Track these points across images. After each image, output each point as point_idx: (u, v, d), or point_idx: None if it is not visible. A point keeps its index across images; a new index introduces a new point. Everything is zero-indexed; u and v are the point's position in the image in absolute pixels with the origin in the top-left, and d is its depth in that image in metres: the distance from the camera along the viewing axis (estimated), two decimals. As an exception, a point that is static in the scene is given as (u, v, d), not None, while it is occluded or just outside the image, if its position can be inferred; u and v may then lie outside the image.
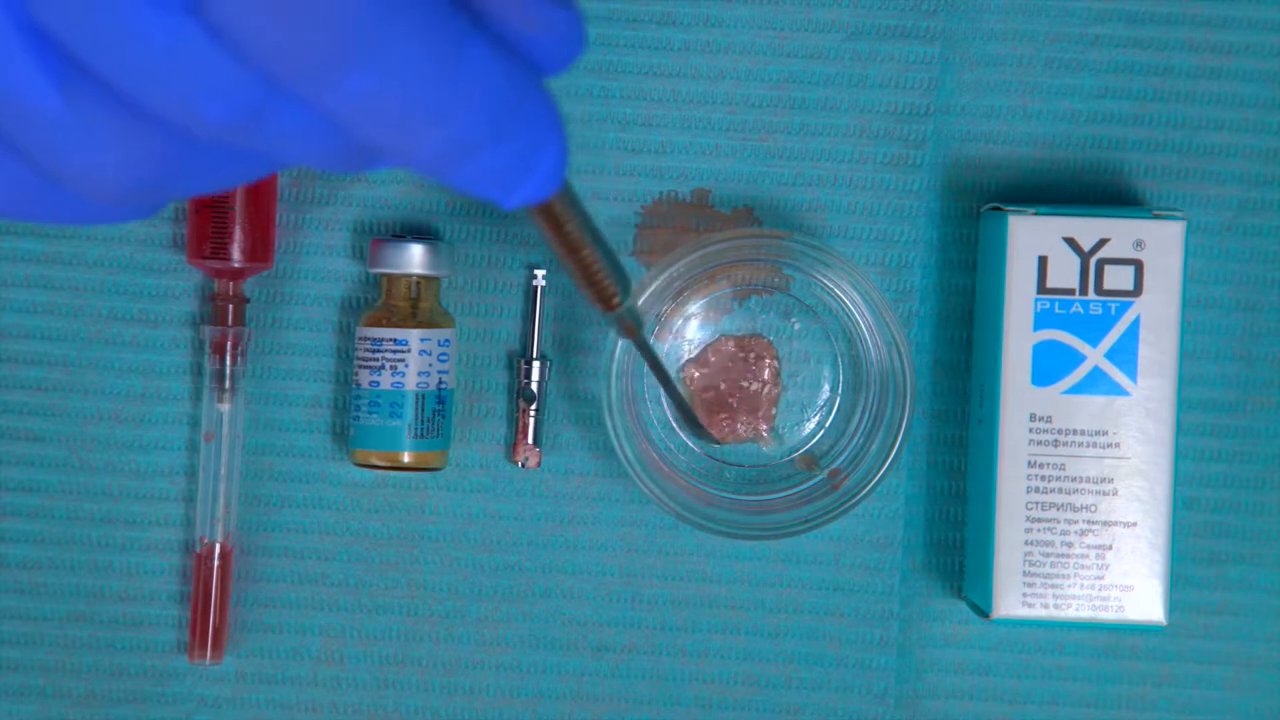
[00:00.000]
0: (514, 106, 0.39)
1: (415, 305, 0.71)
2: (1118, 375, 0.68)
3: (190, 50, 0.37)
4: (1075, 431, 0.67)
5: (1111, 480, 0.68)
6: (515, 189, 0.40)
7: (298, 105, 0.38)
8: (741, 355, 0.72)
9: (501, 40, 0.39)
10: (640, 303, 0.69)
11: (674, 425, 0.72)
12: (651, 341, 0.69)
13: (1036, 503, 0.68)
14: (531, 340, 0.72)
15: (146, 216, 0.43)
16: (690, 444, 0.72)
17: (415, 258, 0.70)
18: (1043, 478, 0.68)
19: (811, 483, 0.71)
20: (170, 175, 0.40)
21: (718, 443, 0.72)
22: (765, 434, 0.72)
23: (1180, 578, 0.71)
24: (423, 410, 0.70)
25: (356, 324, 0.71)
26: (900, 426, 0.69)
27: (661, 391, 0.69)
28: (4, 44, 0.38)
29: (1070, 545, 0.68)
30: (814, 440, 0.72)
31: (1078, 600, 0.68)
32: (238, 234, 0.70)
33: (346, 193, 0.72)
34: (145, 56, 0.37)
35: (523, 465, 0.72)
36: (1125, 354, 0.68)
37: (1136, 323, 0.68)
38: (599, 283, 0.51)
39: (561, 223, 0.46)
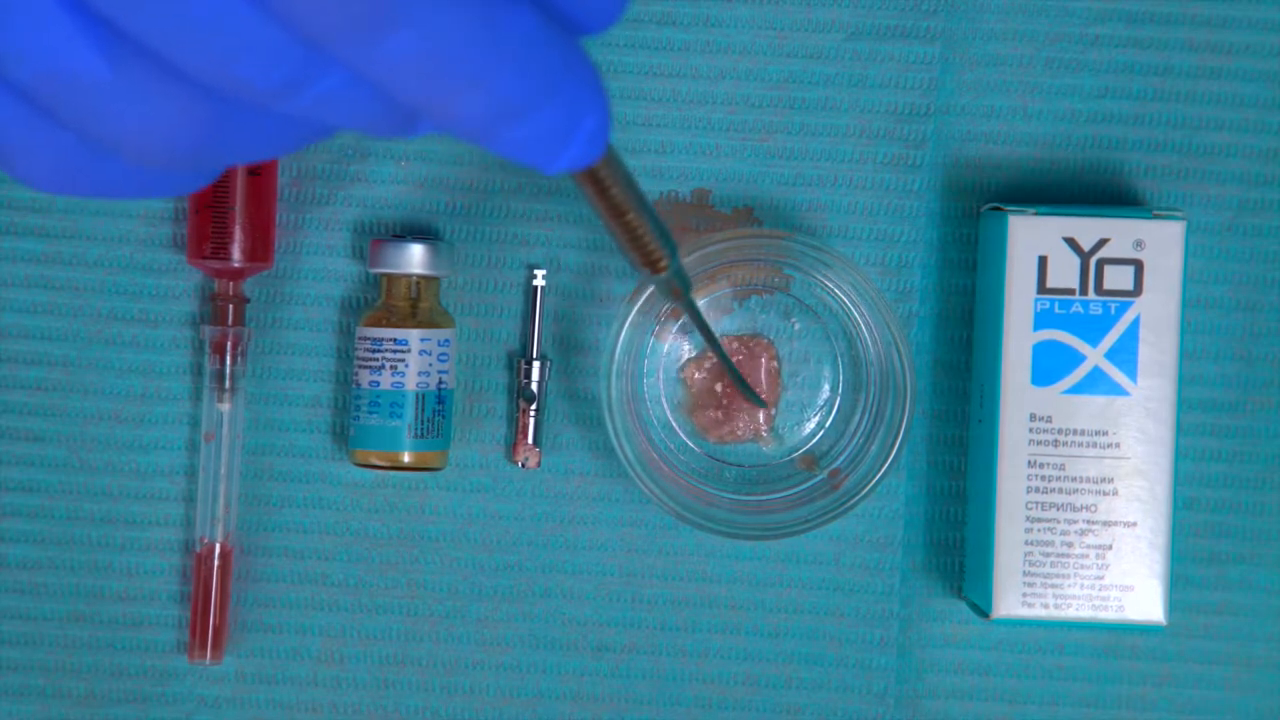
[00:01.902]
0: (556, 70, 0.39)
1: (415, 305, 0.71)
2: (1118, 375, 0.68)
3: (233, 16, 0.37)
4: (1075, 431, 0.67)
5: (1111, 480, 0.68)
6: (557, 155, 0.40)
7: (340, 68, 0.38)
8: (741, 355, 0.72)
9: (541, 1, 0.39)
10: (644, 298, 0.69)
11: (673, 377, 0.72)
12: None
13: (1036, 503, 0.68)
14: (531, 340, 0.72)
15: (194, 188, 0.43)
16: (747, 402, 0.71)
17: (415, 258, 0.70)
18: (1043, 478, 0.68)
19: (811, 483, 0.71)
20: (218, 140, 0.41)
21: (766, 406, 0.72)
22: (765, 434, 0.72)
23: (1180, 578, 0.71)
24: (423, 410, 0.70)
25: (356, 324, 0.71)
26: (900, 426, 0.69)
27: (715, 356, 0.69)
28: (50, 18, 0.38)
29: (1070, 545, 0.68)
30: (814, 440, 0.72)
31: (1078, 600, 0.68)
32: (238, 234, 0.70)
33: (346, 193, 0.72)
34: (189, 25, 0.37)
35: (523, 465, 0.72)
36: (1125, 354, 0.68)
37: (1136, 323, 0.68)
38: (645, 246, 0.51)
39: (606, 187, 0.45)
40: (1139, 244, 0.68)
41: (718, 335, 0.72)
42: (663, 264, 0.52)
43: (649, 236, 0.50)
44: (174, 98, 0.39)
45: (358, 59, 0.37)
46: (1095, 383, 0.67)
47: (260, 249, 0.71)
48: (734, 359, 0.72)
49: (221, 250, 0.70)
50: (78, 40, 0.39)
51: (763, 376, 0.72)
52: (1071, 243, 0.68)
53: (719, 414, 0.72)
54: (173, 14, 0.37)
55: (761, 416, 0.72)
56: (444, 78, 0.38)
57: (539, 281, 0.72)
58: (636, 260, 0.52)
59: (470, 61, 0.38)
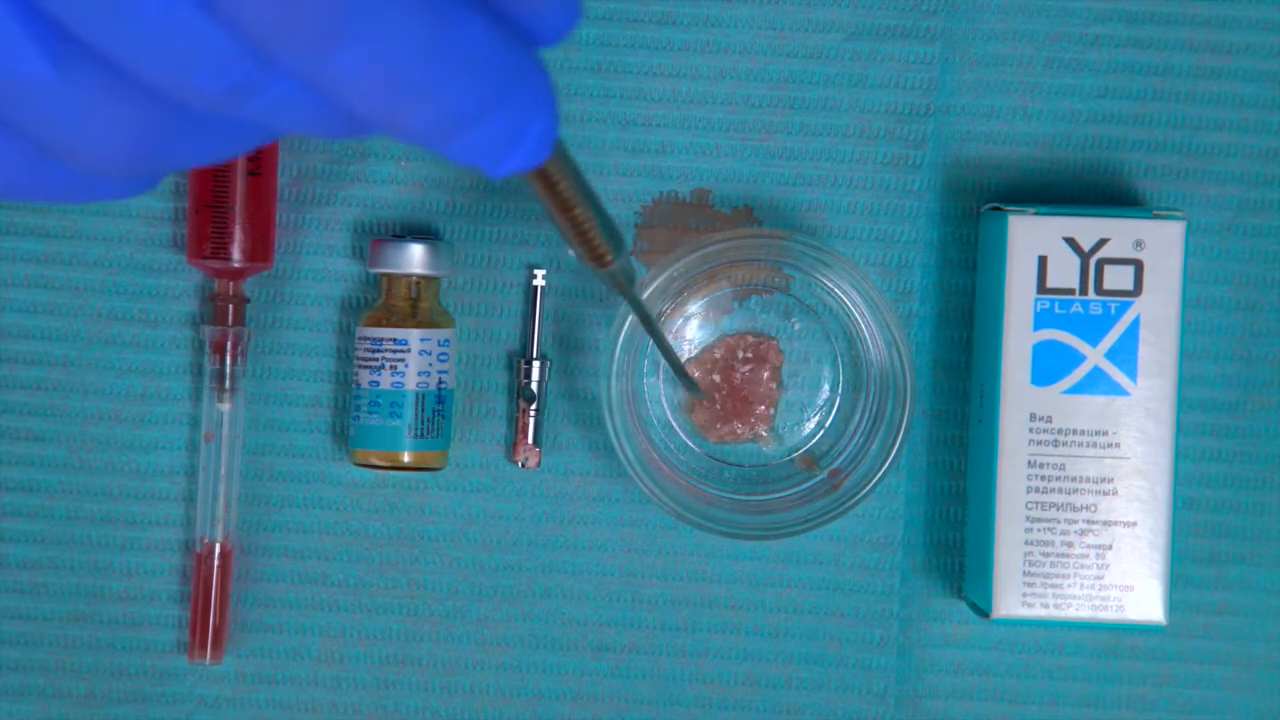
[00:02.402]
0: (504, 82, 0.39)
1: (415, 305, 0.71)
2: (1118, 375, 0.68)
3: (184, 24, 0.37)
4: (1075, 431, 0.67)
5: (1111, 480, 0.68)
6: (502, 161, 0.40)
7: (289, 77, 0.38)
8: (742, 355, 0.72)
9: (495, 11, 0.39)
10: (644, 298, 0.68)
11: (673, 378, 0.72)
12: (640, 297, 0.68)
13: (1036, 503, 0.68)
14: (531, 340, 0.72)
15: (141, 192, 0.43)
16: (685, 391, 0.71)
17: (415, 258, 0.70)
18: (1043, 478, 0.68)
19: (811, 483, 0.71)
20: (164, 145, 0.40)
21: (705, 396, 0.71)
22: (765, 434, 0.72)
23: (1180, 578, 0.71)
24: (423, 410, 0.70)
25: (356, 324, 0.71)
26: (900, 426, 0.69)
27: (656, 347, 0.69)
28: None
29: (1070, 545, 0.68)
30: (814, 440, 0.72)
31: (1078, 600, 0.68)
32: (238, 234, 0.70)
33: (346, 193, 0.72)
34: (139, 30, 0.37)
35: (523, 465, 0.72)
36: (1125, 354, 0.68)
37: (1136, 323, 0.68)
38: (590, 241, 0.51)
39: (553, 183, 0.46)
40: (1139, 244, 0.68)
41: (717, 336, 0.72)
42: (607, 259, 0.52)
43: (595, 232, 0.50)
44: (119, 103, 0.39)
45: (307, 71, 0.37)
46: (1095, 383, 0.67)
47: (260, 249, 0.71)
48: (741, 354, 0.72)
49: (221, 250, 0.70)
50: (22, 43, 0.38)
51: (765, 377, 0.72)
52: (1071, 243, 0.68)
53: (719, 414, 0.72)
54: (125, 19, 0.37)
55: (761, 416, 0.72)
56: (393, 90, 0.38)
57: (539, 281, 0.72)
58: (582, 255, 0.52)
59: (419, 74, 0.38)
